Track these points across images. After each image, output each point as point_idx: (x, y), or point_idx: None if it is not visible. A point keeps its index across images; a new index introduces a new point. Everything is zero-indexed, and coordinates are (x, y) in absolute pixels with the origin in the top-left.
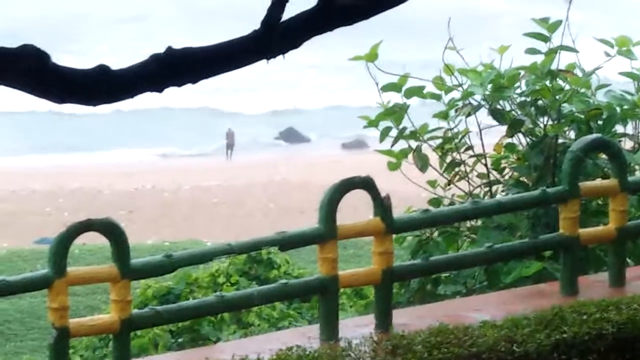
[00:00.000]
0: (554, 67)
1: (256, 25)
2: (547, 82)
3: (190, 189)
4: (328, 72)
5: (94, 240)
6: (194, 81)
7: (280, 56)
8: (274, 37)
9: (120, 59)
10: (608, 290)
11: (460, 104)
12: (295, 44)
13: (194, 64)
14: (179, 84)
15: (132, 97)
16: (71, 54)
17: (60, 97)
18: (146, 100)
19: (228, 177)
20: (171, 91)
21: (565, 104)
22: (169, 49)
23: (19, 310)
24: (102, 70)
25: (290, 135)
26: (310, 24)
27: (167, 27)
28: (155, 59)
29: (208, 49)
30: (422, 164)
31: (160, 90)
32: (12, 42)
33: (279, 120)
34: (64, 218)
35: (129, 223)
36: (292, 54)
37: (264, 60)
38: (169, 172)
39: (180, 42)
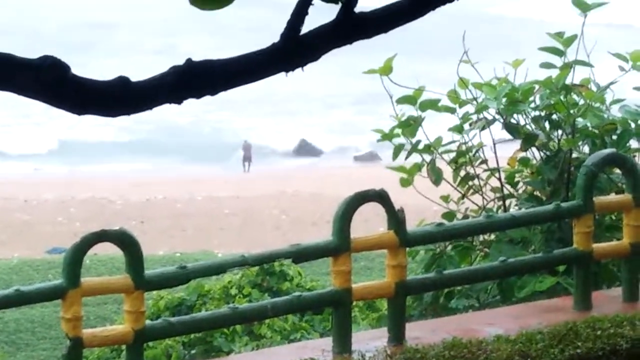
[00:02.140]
0: (568, 81)
1: (276, 38)
2: (562, 97)
3: (203, 200)
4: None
5: (105, 250)
6: (213, 93)
7: (299, 69)
8: (293, 50)
9: (144, 73)
10: (622, 305)
11: (474, 117)
12: (315, 57)
13: (213, 76)
14: (198, 95)
15: (151, 108)
16: (95, 67)
17: (79, 108)
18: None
19: (241, 188)
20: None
21: (579, 119)
22: (189, 61)
23: (30, 320)
24: (122, 81)
25: (303, 148)
26: (330, 36)
27: (191, 41)
28: (174, 71)
29: (227, 61)
30: (436, 177)
31: (179, 102)
32: (33, 54)
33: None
34: (75, 228)
35: (140, 233)
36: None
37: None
38: (182, 183)
39: (203, 56)
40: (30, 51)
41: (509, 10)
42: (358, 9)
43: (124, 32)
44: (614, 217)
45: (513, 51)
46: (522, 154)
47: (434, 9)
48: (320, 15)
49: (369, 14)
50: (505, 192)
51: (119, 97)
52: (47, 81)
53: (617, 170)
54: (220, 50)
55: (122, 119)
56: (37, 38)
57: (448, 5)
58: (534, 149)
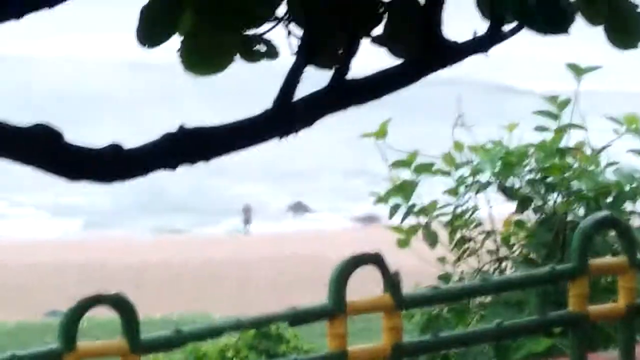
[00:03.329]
0: (563, 144)
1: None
2: (556, 160)
3: (200, 263)
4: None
5: (102, 312)
6: (207, 159)
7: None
8: (287, 116)
9: (142, 137)
10: None
11: (469, 180)
12: (308, 123)
13: (206, 142)
14: (192, 162)
15: (145, 174)
16: (90, 135)
17: (73, 174)
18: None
19: (238, 251)
20: None
21: (574, 182)
22: (182, 127)
23: None
24: (115, 148)
25: (299, 209)
26: (323, 103)
27: (189, 106)
28: (167, 137)
29: (220, 128)
30: (432, 240)
31: (173, 168)
32: (34, 119)
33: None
34: (71, 292)
35: (136, 297)
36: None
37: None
38: (179, 246)
39: (201, 122)
40: (23, 119)
41: (504, 79)
42: (350, 75)
43: (120, 100)
44: (609, 279)
45: (507, 119)
46: (518, 217)
47: (426, 74)
48: (312, 81)
49: (362, 80)
50: (501, 254)
51: (112, 164)
52: (40, 149)
53: (613, 232)
54: (222, 116)
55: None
56: (29, 106)
57: (443, 72)
58: (529, 211)
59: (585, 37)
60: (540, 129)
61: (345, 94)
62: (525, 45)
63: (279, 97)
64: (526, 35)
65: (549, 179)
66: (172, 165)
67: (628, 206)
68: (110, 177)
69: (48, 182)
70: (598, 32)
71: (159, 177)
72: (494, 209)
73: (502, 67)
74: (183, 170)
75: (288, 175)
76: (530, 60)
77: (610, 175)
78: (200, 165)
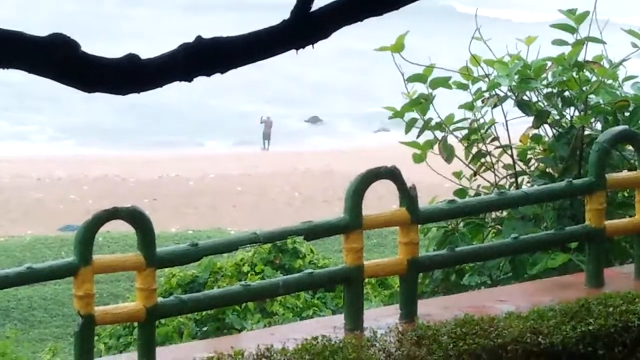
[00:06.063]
0: (580, 58)
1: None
2: (574, 74)
3: (215, 178)
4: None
5: (118, 227)
6: (223, 71)
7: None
8: (304, 27)
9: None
10: (634, 282)
11: (486, 94)
12: (325, 34)
13: (223, 54)
14: (208, 73)
15: (161, 86)
16: (116, 45)
17: (89, 86)
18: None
19: (254, 165)
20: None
21: (592, 96)
22: (198, 38)
23: (42, 297)
24: (132, 59)
25: (316, 122)
26: (340, 14)
27: (216, 19)
28: (184, 48)
29: (237, 39)
30: (448, 154)
31: (189, 79)
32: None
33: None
34: (88, 206)
35: (152, 211)
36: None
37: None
38: (194, 161)
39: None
40: (44, 30)
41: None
42: None
43: (143, 10)
44: (626, 194)
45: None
46: (534, 131)
47: None
48: None
49: None
50: (517, 169)
51: (128, 75)
52: (57, 59)
53: (630, 147)
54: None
55: (132, 99)
56: (51, 18)
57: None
58: (546, 126)
59: None
60: (558, 42)
61: (363, 4)
62: None
63: (297, 8)
64: None
65: (567, 93)
66: (189, 76)
67: None
68: (127, 87)
69: (52, 99)
70: None
71: (171, 95)
72: (511, 123)
73: None
74: (200, 89)
75: (302, 95)
76: None
77: (628, 90)
78: (217, 85)
